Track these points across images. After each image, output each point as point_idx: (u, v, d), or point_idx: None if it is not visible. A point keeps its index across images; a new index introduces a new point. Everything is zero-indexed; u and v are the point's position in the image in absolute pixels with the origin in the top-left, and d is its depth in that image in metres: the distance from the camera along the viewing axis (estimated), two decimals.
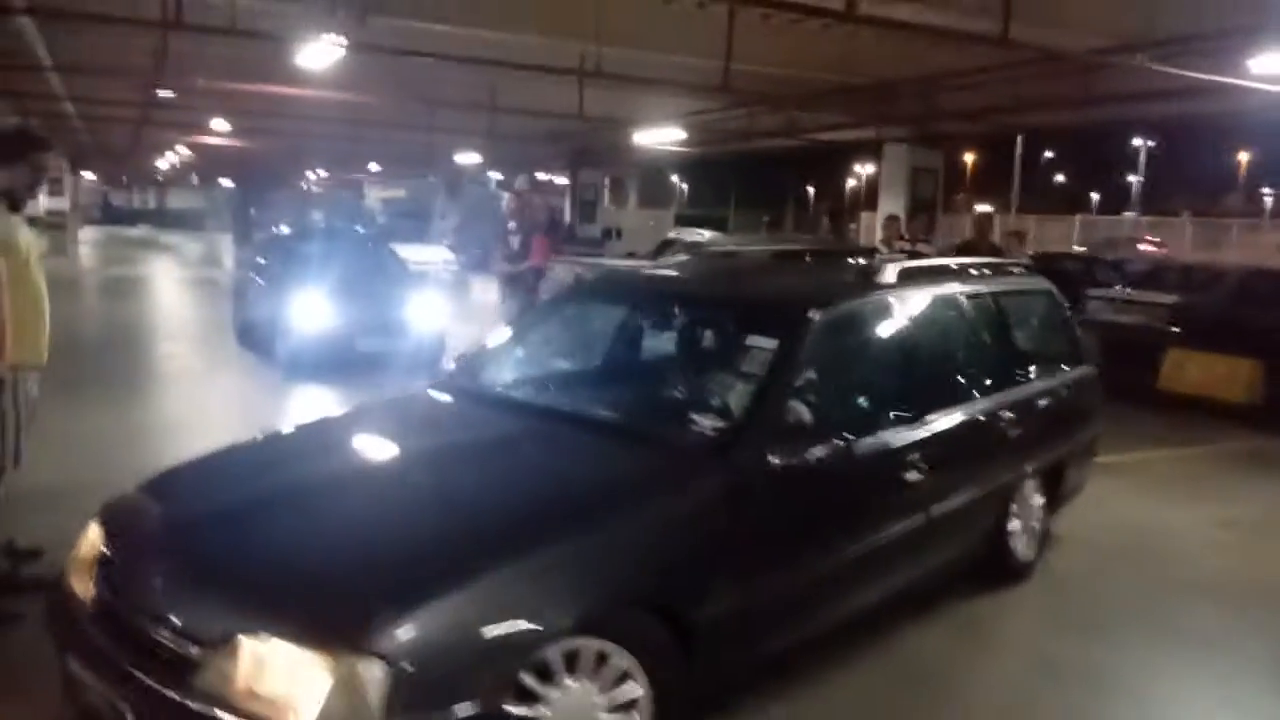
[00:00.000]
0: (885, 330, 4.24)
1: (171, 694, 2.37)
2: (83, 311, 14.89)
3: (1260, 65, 6.71)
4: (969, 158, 56.16)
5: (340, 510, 2.99)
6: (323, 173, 39.87)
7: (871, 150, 17.78)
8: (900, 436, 3.87)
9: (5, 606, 3.93)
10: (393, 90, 13.56)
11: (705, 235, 13.15)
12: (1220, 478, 7.27)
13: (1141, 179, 62.45)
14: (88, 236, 35.44)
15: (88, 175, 42.59)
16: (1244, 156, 60.50)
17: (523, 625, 2.48)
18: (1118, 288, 13.17)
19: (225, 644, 2.36)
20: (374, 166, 31.91)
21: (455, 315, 13.22)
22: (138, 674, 2.45)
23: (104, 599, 2.73)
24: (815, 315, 3.76)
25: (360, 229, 18.32)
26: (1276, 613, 4.74)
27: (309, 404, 8.75)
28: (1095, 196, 66.25)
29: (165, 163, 34.99)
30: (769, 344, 3.80)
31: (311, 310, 9.62)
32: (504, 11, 9.83)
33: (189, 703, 2.33)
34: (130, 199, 63.10)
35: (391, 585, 2.44)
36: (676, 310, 4.66)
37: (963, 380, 4.52)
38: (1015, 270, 5.56)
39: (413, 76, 12.90)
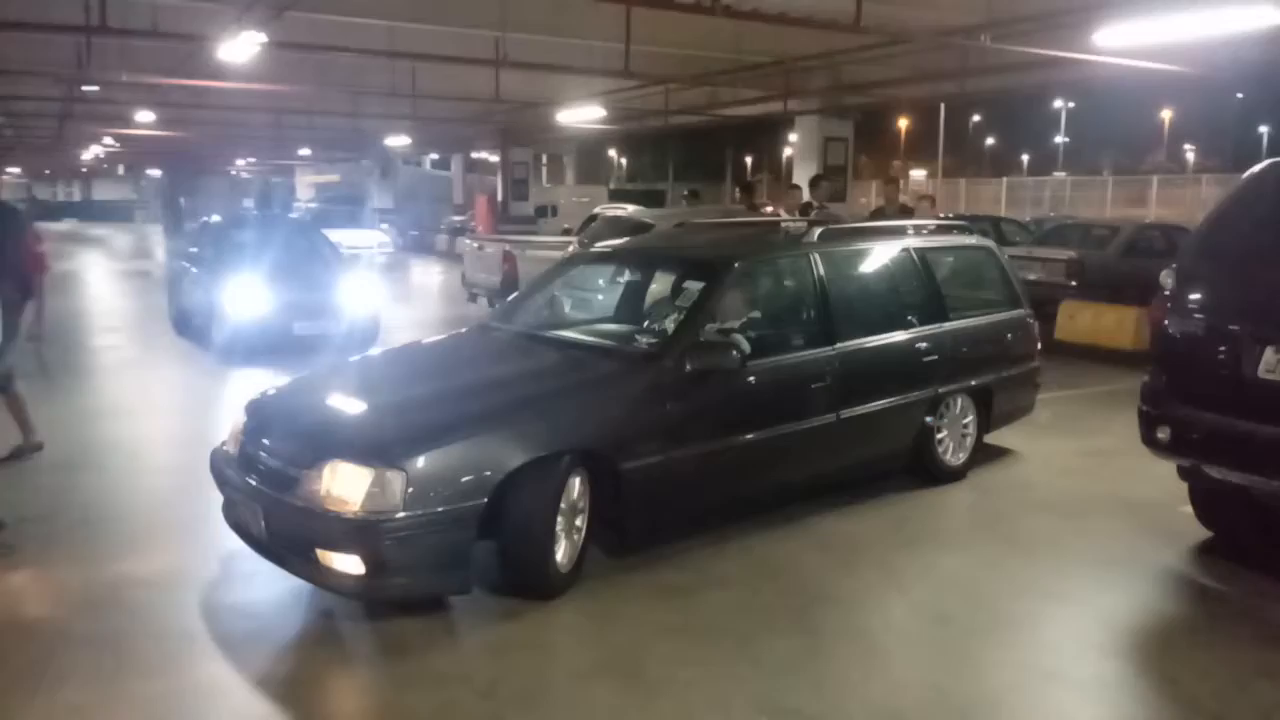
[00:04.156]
0: (803, 277, 5.52)
1: (284, 497, 3.95)
2: None
3: (1104, 38, 7.29)
4: (902, 124, 57.05)
5: (385, 396, 4.64)
6: (252, 160, 39.46)
7: (789, 122, 18.31)
8: (807, 356, 5.24)
9: None
10: (315, 80, 13.79)
11: (627, 210, 13.63)
12: (1096, 415, 7.97)
13: (1066, 140, 63.98)
14: None
15: (11, 170, 41.63)
16: (1166, 115, 62.15)
17: (490, 463, 3.97)
18: (1021, 245, 13.91)
19: (314, 466, 3.90)
20: (305, 152, 31.71)
21: (390, 297, 13.60)
22: (265, 489, 4.06)
23: (245, 451, 4.33)
24: (736, 265, 5.24)
25: (290, 215, 18.45)
26: (1100, 520, 5.45)
27: (249, 387, 9.10)
28: (1025, 158, 67.69)
29: (90, 154, 34.39)
30: (699, 286, 5.12)
31: (247, 297, 9.90)
32: (416, 3, 10.15)
33: (294, 501, 3.90)
34: (55, 192, 61.39)
35: (412, 436, 3.97)
36: (644, 266, 6.13)
37: (877, 316, 5.75)
38: (950, 230, 6.74)
39: (334, 66, 13.16)
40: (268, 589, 4.37)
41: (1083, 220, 20.27)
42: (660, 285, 5.91)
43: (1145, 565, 4.84)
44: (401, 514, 3.75)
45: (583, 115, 15.33)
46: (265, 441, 4.28)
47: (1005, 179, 48.93)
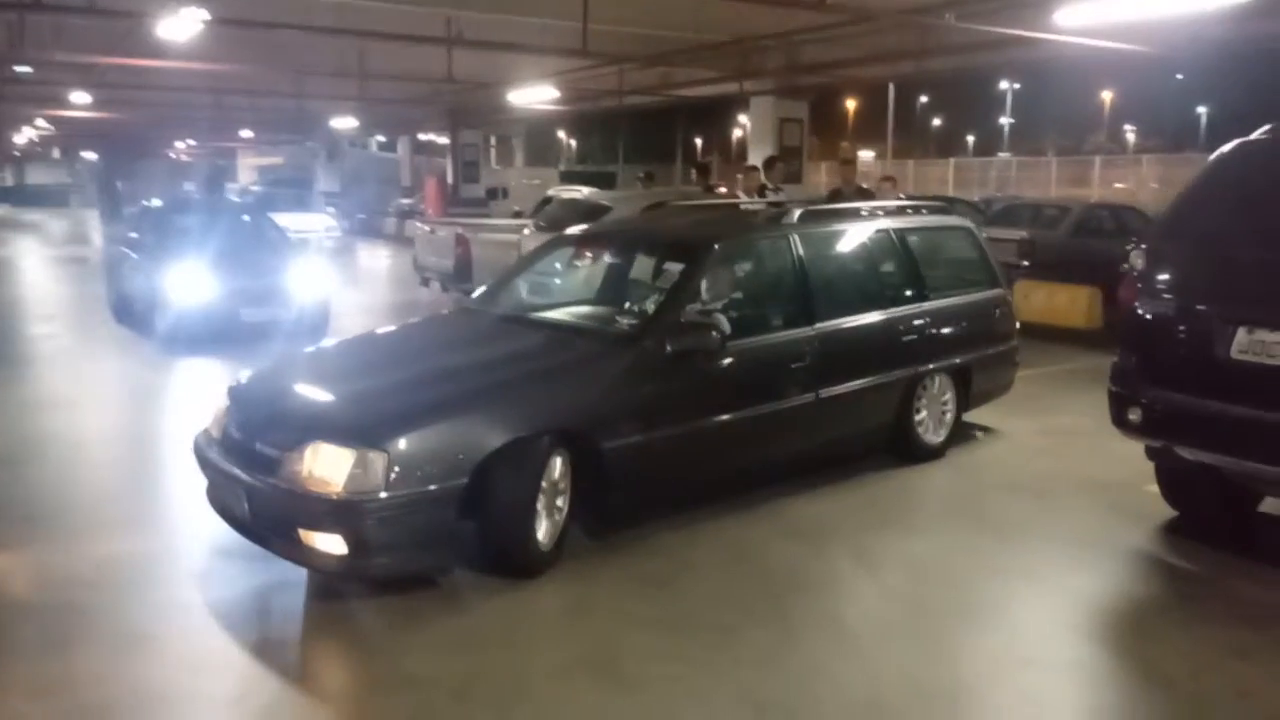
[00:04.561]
0: (783, 257, 5.53)
1: (267, 479, 3.94)
2: None
3: (1065, 18, 7.30)
4: (850, 105, 57.30)
5: (367, 378, 4.66)
6: (193, 142, 38.50)
7: (743, 103, 18.24)
8: (786, 336, 5.28)
9: None
10: (259, 59, 13.40)
11: (582, 192, 13.45)
12: (1054, 394, 7.99)
13: (1012, 121, 64.82)
14: None
15: None
16: (1108, 96, 63.18)
17: (470, 444, 4.00)
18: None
19: (297, 448, 3.91)
20: (247, 134, 30.97)
21: (340, 282, 13.30)
22: (247, 471, 4.05)
23: (228, 433, 4.35)
24: (717, 246, 5.25)
25: (231, 197, 17.99)
26: (1068, 500, 5.47)
27: (194, 376, 8.84)
28: (970, 139, 68.46)
29: (24, 138, 33.25)
30: (679, 267, 5.14)
31: (191, 283, 9.61)
32: None
33: (277, 483, 3.90)
34: None
35: (394, 417, 3.99)
36: (625, 247, 6.12)
37: (856, 296, 5.80)
38: (928, 211, 6.74)
39: (279, 45, 12.79)
40: (224, 588, 4.22)
41: (1031, 200, 20.47)
42: (641, 267, 5.92)
43: (1114, 545, 4.84)
44: (383, 494, 3.79)
45: (536, 96, 15.10)
46: (247, 424, 4.31)
47: (952, 160, 49.48)
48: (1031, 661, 3.69)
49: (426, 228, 13.58)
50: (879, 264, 6.13)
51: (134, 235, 11.55)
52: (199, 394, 8.22)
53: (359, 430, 3.92)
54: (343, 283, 14.11)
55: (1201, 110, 61.15)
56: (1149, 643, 3.89)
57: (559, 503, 4.36)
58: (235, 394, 4.64)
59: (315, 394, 4.50)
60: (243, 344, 9.38)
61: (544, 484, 4.22)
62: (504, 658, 3.65)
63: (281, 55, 13.40)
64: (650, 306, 5.13)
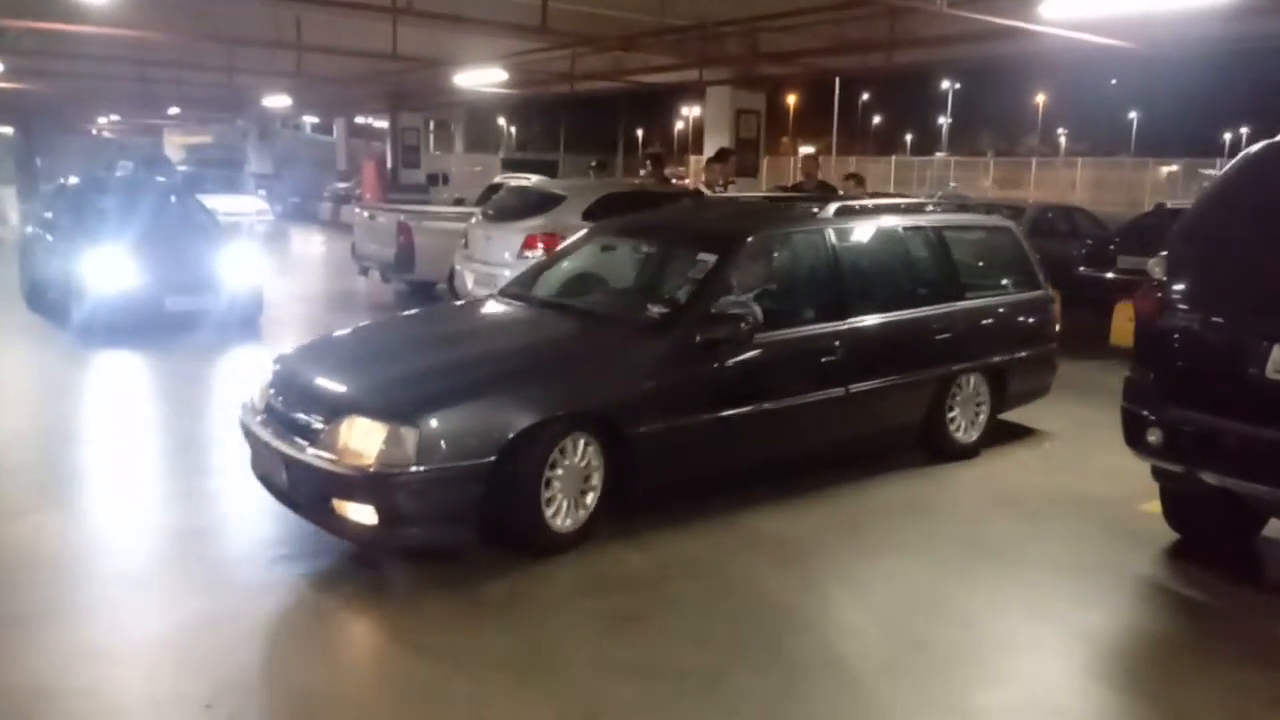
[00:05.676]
0: (817, 251, 5.55)
1: (305, 449, 4.11)
2: None
3: (1050, 10, 7.07)
4: (791, 100, 57.42)
5: (405, 357, 4.85)
6: (116, 117, 36.85)
7: (696, 93, 17.81)
8: (817, 329, 5.30)
9: None
10: (186, 26, 12.56)
11: (531, 180, 12.90)
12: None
13: (950, 120, 65.72)
14: None
15: None
16: (1041, 98, 64.40)
17: (499, 424, 4.12)
18: None
19: (335, 420, 4.10)
20: (174, 110, 29.62)
21: (273, 269, 12.58)
22: (289, 440, 4.22)
23: (270, 405, 4.54)
24: (750, 239, 5.32)
25: (160, 178, 17.07)
26: (1062, 521, 5.12)
27: (111, 370, 8.14)
28: (909, 137, 69.27)
29: None
30: (711, 258, 5.11)
31: (111, 268, 8.90)
32: None
33: (314, 453, 4.06)
34: None
35: (427, 395, 4.16)
36: (659, 238, 6.10)
37: (891, 293, 5.76)
38: (969, 210, 7.00)
39: (207, 11, 11.99)
40: (141, 621, 3.68)
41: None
42: (675, 257, 5.82)
43: (1119, 574, 4.51)
44: (414, 468, 3.91)
45: (483, 78, 14.46)
46: (289, 396, 4.49)
47: (894, 158, 49.91)
48: (1056, 711, 3.32)
49: (366, 214, 12.94)
50: (914, 261, 6.09)
51: (49, 215, 10.73)
52: (116, 390, 7.60)
53: (393, 406, 4.06)
54: (276, 270, 13.41)
55: (1133, 116, 62.64)
56: (1178, 689, 3.54)
57: (587, 486, 4.42)
58: (279, 365, 4.80)
59: (353, 370, 4.64)
60: (167, 335, 8.74)
61: (560, 468, 4.29)
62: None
63: (211, 24, 12.56)
64: (681, 296, 5.13)
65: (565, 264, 6.12)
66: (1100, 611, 4.12)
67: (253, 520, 4.77)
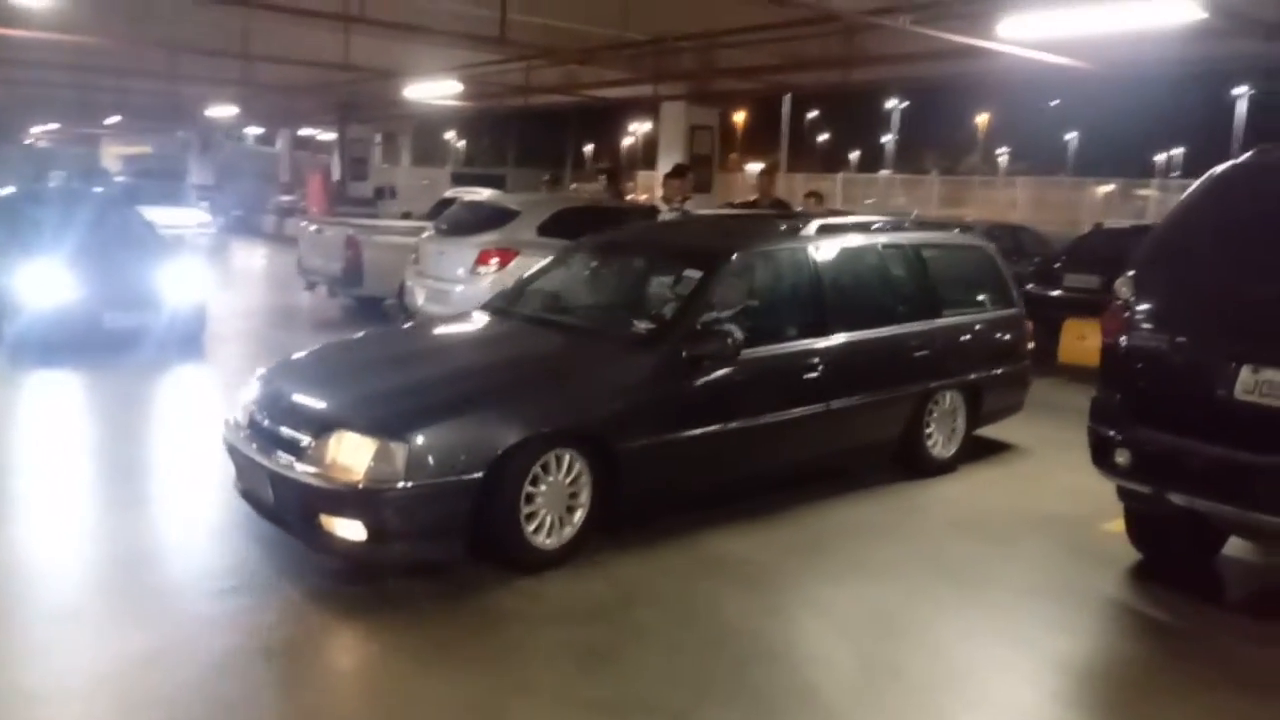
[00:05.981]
0: (800, 269, 5.61)
1: (291, 465, 4.07)
2: None
3: (1007, 29, 7.13)
4: (739, 117, 57.77)
5: (392, 372, 4.80)
6: (55, 126, 35.85)
7: (649, 108, 17.78)
8: (799, 346, 5.36)
9: None
10: (127, 32, 12.19)
11: (484, 194, 12.72)
12: None
13: (895, 138, 66.60)
14: None
15: None
16: (982, 118, 65.57)
17: (487, 440, 4.12)
18: None
19: (322, 436, 4.06)
20: (115, 119, 28.89)
21: (216, 284, 12.24)
22: (274, 456, 4.16)
23: (254, 420, 4.47)
24: (734, 255, 5.35)
25: (98, 189, 16.54)
26: (1025, 541, 5.08)
27: (48, 391, 7.80)
28: (854, 155, 70.09)
29: None
30: (697, 275, 5.15)
31: (46, 282, 8.54)
32: None
33: (301, 469, 4.03)
34: None
35: (415, 411, 4.15)
36: (644, 254, 6.21)
37: (871, 310, 5.82)
38: (943, 230, 7.00)
39: (150, 16, 11.65)
40: (79, 660, 3.44)
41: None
42: (659, 273, 5.86)
43: (1085, 595, 4.47)
44: (403, 484, 3.89)
45: (437, 91, 14.26)
46: (274, 412, 4.42)
47: (840, 175, 50.42)
48: None
49: (313, 227, 12.66)
50: (894, 279, 6.15)
51: None
52: (51, 412, 7.27)
53: (382, 422, 4.03)
54: (219, 285, 13.06)
55: (1071, 136, 64.08)
56: (1151, 713, 3.51)
57: (574, 503, 4.40)
58: (264, 380, 4.76)
59: (340, 385, 4.61)
60: (106, 353, 8.41)
61: (544, 484, 4.27)
62: None
63: (151, 28, 12.20)
64: (667, 312, 5.16)
65: (550, 279, 6.11)
66: (1070, 635, 4.08)
67: (199, 549, 4.55)
